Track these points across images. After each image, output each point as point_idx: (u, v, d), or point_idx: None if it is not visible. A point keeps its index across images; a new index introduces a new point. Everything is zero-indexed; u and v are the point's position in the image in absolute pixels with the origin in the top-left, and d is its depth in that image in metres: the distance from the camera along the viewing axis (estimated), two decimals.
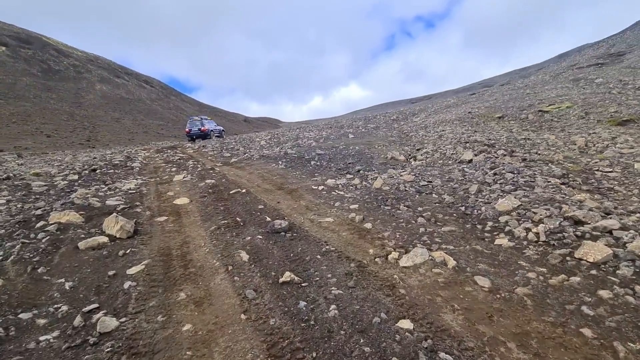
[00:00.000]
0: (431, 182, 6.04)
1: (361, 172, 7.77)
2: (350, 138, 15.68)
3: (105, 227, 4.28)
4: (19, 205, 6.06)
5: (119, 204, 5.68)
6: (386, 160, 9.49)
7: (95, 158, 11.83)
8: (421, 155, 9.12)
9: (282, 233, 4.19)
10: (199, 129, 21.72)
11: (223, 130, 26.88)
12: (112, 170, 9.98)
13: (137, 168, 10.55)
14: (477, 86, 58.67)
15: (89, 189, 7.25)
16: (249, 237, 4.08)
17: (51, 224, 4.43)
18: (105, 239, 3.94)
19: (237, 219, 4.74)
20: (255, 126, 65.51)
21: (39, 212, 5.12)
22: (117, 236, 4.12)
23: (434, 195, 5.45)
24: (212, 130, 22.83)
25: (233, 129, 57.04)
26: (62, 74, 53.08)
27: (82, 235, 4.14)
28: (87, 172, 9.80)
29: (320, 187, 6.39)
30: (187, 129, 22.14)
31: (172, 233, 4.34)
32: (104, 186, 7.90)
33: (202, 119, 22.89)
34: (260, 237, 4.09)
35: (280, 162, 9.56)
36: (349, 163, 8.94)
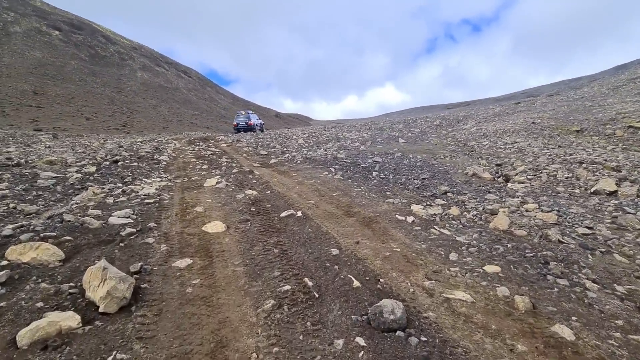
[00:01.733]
0: (592, 229, 3.80)
1: (450, 194, 5.59)
2: (401, 143, 13.43)
3: (85, 284, 2.37)
4: (8, 206, 4.34)
5: (126, 223, 3.79)
6: (467, 177, 7.24)
7: (121, 147, 10.26)
8: (519, 175, 6.80)
9: (399, 333, 2.13)
10: (246, 123, 21.82)
11: (263, 124, 26.41)
12: (135, 164, 8.25)
13: (164, 163, 8.79)
14: (521, 95, 54.31)
15: (100, 190, 5.47)
16: (341, 341, 2.04)
17: (3, 267, 2.57)
18: (71, 323, 2.00)
19: (306, 280, 2.70)
20: (286, 122, 63.95)
21: (7, 231, 3.31)
22: (102, 309, 2.19)
23: (616, 256, 3.23)
24: (256, 124, 22.79)
25: (265, 123, 55.59)
26: (108, 60, 53.36)
27: (40, 303, 2.23)
28: (108, 163, 8.14)
29: (410, 219, 4.28)
30: (235, 123, 22.33)
31: (198, 306, 2.35)
32: (120, 185, 6.13)
33: (248, 113, 22.94)
34: (362, 340, 2.05)
35: (333, 170, 7.50)
36: (424, 178, 6.76)
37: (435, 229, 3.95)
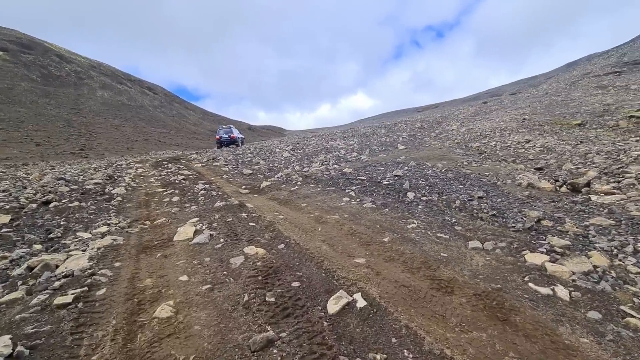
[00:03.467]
0: None
1: (546, 223, 3.69)
2: (401, 149, 11.62)
3: None
4: None
5: None
6: (524, 189, 5.41)
7: (62, 179, 7.63)
8: (599, 184, 5.04)
9: None
10: (229, 136, 21.56)
11: (244, 138, 25.88)
12: (76, 204, 5.76)
13: (119, 198, 6.33)
14: (485, 95, 55.11)
15: None
16: None
17: None
18: None
19: None
20: (260, 134, 61.33)
21: None
22: None
23: None
24: (238, 137, 22.50)
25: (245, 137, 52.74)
26: (63, 80, 48.59)
27: None
28: (34, 206, 5.60)
29: (552, 289, 2.29)
30: (217, 136, 22.12)
31: None
32: (37, 248, 3.73)
33: (230, 127, 22.83)
34: None
35: (352, 193, 5.42)
36: (480, 197, 4.85)
37: (631, 319, 1.98)
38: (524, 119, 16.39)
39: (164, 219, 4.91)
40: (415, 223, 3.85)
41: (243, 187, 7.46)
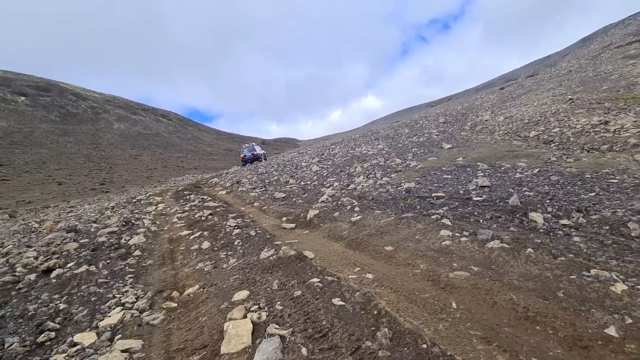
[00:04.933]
0: None
1: None
2: (449, 149, 9.95)
3: None
4: None
5: None
6: None
7: (74, 230, 6.35)
8: None
9: None
10: (252, 154, 22.06)
11: (265, 153, 26.21)
12: (84, 268, 4.41)
13: (137, 253, 4.96)
14: (499, 81, 52.26)
15: None
16: None
17: None
18: None
19: None
20: (273, 147, 60.41)
21: None
22: None
23: None
24: (261, 154, 22.82)
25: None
26: (80, 117, 49.19)
27: None
28: (32, 277, 4.29)
29: None
30: (242, 155, 22.65)
31: None
32: None
33: (252, 145, 23.36)
34: None
35: (446, 220, 3.82)
36: None
37: None
38: (570, 99, 14.46)
39: (197, 286, 3.46)
40: (619, 281, 2.24)
41: (284, 218, 5.99)
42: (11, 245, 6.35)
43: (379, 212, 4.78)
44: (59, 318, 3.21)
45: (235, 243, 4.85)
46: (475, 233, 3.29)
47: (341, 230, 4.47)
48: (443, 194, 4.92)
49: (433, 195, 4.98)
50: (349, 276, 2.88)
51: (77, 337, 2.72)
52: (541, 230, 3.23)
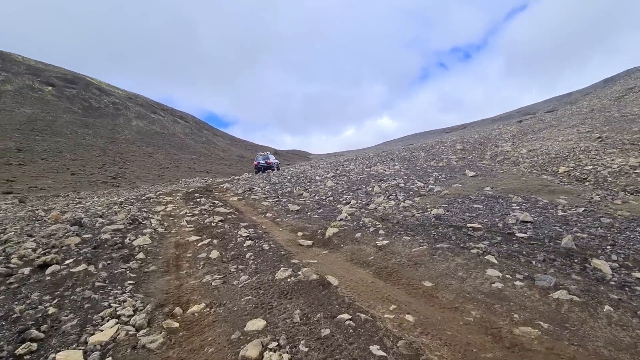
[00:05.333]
0: None
1: None
2: (474, 177, 9.47)
3: None
4: None
5: None
6: None
7: (75, 225, 5.98)
8: None
9: None
10: (266, 162, 22.24)
11: (279, 163, 26.15)
12: (82, 268, 4.02)
13: (141, 256, 4.56)
14: (516, 114, 51.70)
15: None
16: None
17: None
18: None
19: None
20: (285, 158, 60.41)
21: None
22: None
23: None
24: (274, 163, 23.06)
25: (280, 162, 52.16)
26: (102, 111, 50.19)
27: None
28: (26, 272, 3.92)
29: None
30: (255, 162, 22.83)
31: None
32: None
33: (267, 154, 23.60)
34: None
35: (490, 257, 3.33)
36: None
37: None
38: (599, 137, 13.91)
39: (203, 304, 3.02)
40: None
41: (299, 233, 5.54)
42: (12, 233, 6.03)
43: (408, 238, 4.30)
44: (46, 325, 2.80)
45: (247, 256, 4.41)
46: (531, 277, 2.80)
47: (366, 254, 4.00)
48: (479, 226, 4.43)
49: (468, 225, 4.49)
50: (385, 315, 2.41)
51: (60, 356, 2.29)
52: (612, 283, 2.72)
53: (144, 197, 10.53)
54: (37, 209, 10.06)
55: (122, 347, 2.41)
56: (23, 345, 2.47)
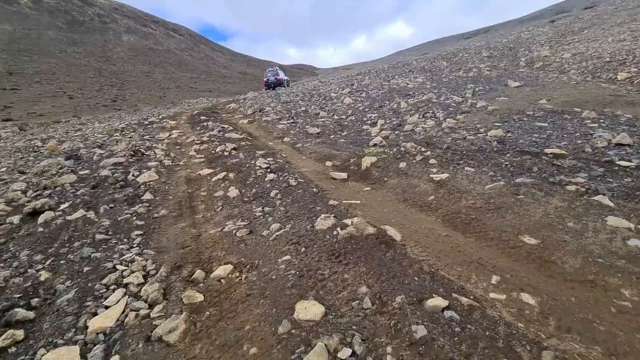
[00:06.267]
0: None
1: None
2: (518, 88, 8.07)
3: None
4: None
5: None
6: None
7: (70, 158, 5.17)
8: None
9: None
10: (276, 78, 21.20)
11: (289, 79, 24.79)
12: (79, 214, 3.33)
13: (147, 197, 3.82)
14: (548, 13, 44.97)
15: None
16: None
17: None
18: None
19: None
20: (290, 74, 56.29)
21: None
22: None
23: None
24: (284, 79, 22.00)
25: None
26: (88, 25, 45.29)
27: None
28: (15, 220, 3.26)
29: None
30: (264, 79, 21.78)
31: None
32: None
33: (276, 69, 22.46)
34: None
35: (607, 200, 2.46)
36: None
37: None
38: None
39: (230, 265, 2.33)
40: None
41: (328, 163, 4.67)
42: (4, 169, 5.30)
43: (471, 169, 3.39)
44: (37, 299, 2.17)
45: (272, 195, 3.64)
46: None
47: (422, 192, 3.16)
48: (562, 151, 3.45)
49: (546, 151, 3.51)
50: (491, 295, 1.64)
51: (50, 356, 1.66)
52: None
53: (146, 122, 9.52)
54: (35, 139, 9.25)
55: (132, 338, 1.77)
56: (6, 334, 1.86)
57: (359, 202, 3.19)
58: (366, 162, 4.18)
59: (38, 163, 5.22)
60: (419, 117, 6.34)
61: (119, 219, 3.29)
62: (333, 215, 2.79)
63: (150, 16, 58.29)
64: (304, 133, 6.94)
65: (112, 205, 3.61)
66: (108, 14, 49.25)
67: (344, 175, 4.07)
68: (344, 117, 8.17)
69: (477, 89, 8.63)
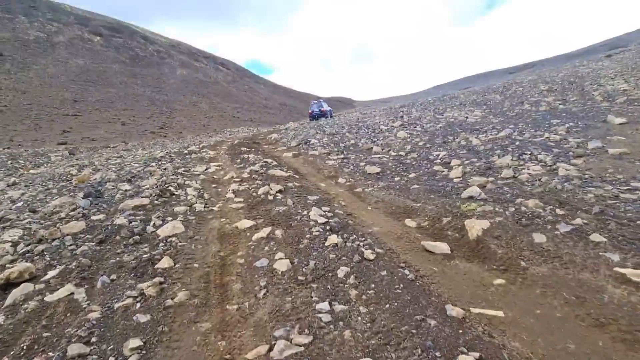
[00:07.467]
0: None
1: None
2: (622, 125, 6.32)
3: None
4: None
5: None
6: None
7: (88, 196, 4.33)
8: None
9: None
10: (320, 110, 21.83)
11: (332, 110, 25.15)
12: (63, 294, 2.25)
13: (164, 265, 2.71)
14: (601, 48, 41.95)
15: None
16: None
17: None
18: None
19: None
20: (330, 105, 56.89)
21: None
22: None
23: None
24: (327, 110, 22.42)
25: (307, 109, 49.49)
26: (147, 60, 49.38)
27: None
28: None
29: None
30: (310, 111, 22.71)
31: None
32: None
33: (320, 101, 23.17)
34: None
35: None
36: None
37: None
38: None
39: None
40: None
41: (409, 221, 3.34)
42: (21, 203, 4.54)
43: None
44: None
45: (341, 275, 2.35)
46: None
47: (617, 304, 1.69)
48: None
49: None
50: None
51: None
52: None
53: (185, 152, 8.86)
54: (76, 164, 8.89)
55: None
56: None
57: (501, 314, 1.79)
58: (475, 227, 2.79)
59: (55, 199, 4.40)
60: (512, 159, 4.88)
61: (116, 306, 2.15)
62: (466, 347, 1.41)
63: (202, 52, 62.79)
64: (360, 172, 5.71)
65: (114, 276, 2.51)
66: (166, 50, 53.59)
67: (444, 247, 2.70)
68: (402, 153, 6.90)
69: (567, 125, 7.01)
